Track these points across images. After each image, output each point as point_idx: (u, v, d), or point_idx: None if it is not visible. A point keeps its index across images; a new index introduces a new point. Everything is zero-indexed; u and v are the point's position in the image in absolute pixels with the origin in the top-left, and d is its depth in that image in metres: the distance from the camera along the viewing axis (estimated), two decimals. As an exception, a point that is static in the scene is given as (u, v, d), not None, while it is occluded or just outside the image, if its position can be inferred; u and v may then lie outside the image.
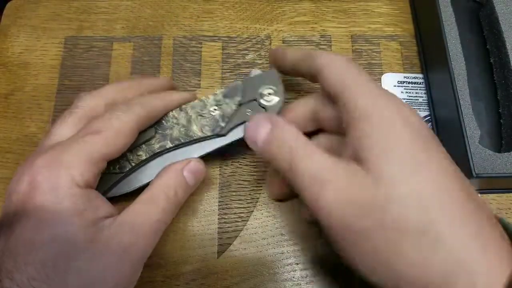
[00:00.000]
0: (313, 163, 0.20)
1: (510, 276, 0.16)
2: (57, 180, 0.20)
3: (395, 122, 0.19)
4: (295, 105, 0.27)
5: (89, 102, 0.25)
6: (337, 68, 0.22)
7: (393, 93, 0.21)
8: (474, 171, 0.27)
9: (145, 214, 0.23)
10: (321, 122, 0.25)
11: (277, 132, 0.22)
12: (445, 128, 0.31)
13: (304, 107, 0.26)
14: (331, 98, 0.23)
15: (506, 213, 0.30)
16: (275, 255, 0.29)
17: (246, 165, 0.31)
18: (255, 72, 0.29)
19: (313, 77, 0.24)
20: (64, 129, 0.24)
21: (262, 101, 0.27)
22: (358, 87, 0.21)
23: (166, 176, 0.25)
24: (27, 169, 0.21)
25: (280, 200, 0.29)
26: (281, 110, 0.27)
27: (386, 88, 0.33)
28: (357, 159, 0.19)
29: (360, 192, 0.18)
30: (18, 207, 0.20)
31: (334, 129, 0.25)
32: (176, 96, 0.28)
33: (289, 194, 0.27)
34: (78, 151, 0.22)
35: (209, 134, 0.27)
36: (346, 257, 0.19)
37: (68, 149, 0.22)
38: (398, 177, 0.18)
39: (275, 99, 0.27)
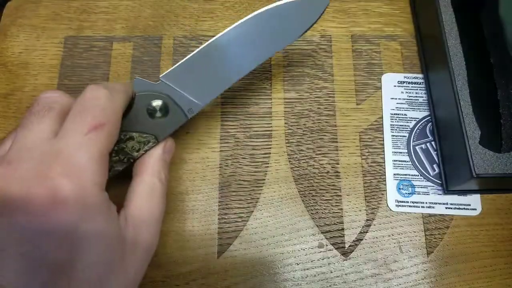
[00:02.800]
0: None
1: None
2: (84, 193, 0.19)
3: None
4: None
5: (64, 98, 0.23)
6: None
7: None
8: (474, 171, 0.27)
9: (150, 208, 0.23)
10: None
11: None
12: (445, 128, 0.31)
13: None
14: None
15: (506, 213, 0.30)
16: (275, 255, 0.29)
17: (246, 165, 0.31)
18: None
19: None
20: (45, 125, 0.21)
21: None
22: None
23: (153, 162, 0.24)
24: (39, 177, 0.18)
25: None
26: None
27: (386, 88, 0.33)
28: None
29: None
30: (43, 226, 0.18)
31: None
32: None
33: None
34: (88, 152, 0.20)
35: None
36: None
37: (78, 151, 0.19)
38: None
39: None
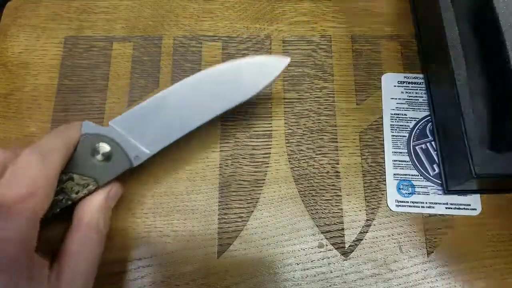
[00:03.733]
0: None
1: None
2: (12, 263, 0.19)
3: None
4: None
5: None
6: None
7: None
8: (474, 171, 0.27)
9: (84, 262, 0.23)
10: None
11: None
12: (445, 128, 0.31)
13: None
14: None
15: (506, 213, 0.30)
16: (275, 255, 0.29)
17: (246, 165, 0.31)
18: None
19: None
20: None
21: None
22: None
23: (92, 211, 0.24)
24: None
25: None
26: None
27: (386, 88, 0.33)
28: None
29: None
30: None
31: None
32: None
33: None
34: (16, 223, 0.20)
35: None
36: None
37: (5, 223, 0.20)
38: None
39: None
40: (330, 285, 0.28)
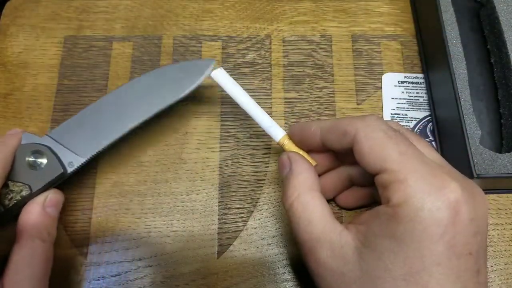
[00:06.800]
0: (311, 218, 0.22)
1: None
2: None
3: (433, 237, 0.18)
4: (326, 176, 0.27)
5: None
6: (375, 144, 0.21)
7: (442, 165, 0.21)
8: (475, 171, 0.27)
9: (31, 277, 0.22)
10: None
11: (292, 173, 0.23)
12: (446, 128, 0.31)
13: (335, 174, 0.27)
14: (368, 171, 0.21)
15: (507, 214, 0.30)
16: (275, 255, 0.29)
17: (246, 165, 0.31)
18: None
19: (346, 152, 0.23)
20: None
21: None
22: (401, 173, 0.19)
23: (33, 221, 0.24)
24: None
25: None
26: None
27: (386, 88, 0.33)
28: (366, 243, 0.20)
29: (345, 265, 0.20)
30: None
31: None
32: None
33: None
34: None
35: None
36: None
37: None
38: None
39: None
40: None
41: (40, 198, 0.25)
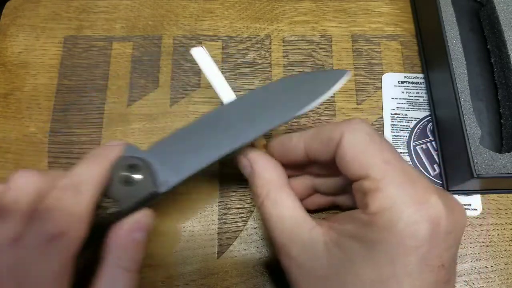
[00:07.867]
0: (282, 215, 0.22)
1: None
2: None
3: (407, 249, 0.18)
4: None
5: (33, 187, 0.20)
6: (359, 149, 0.20)
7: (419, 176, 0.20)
8: (475, 171, 0.27)
9: None
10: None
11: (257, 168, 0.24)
12: (446, 128, 0.31)
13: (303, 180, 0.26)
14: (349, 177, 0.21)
15: (507, 213, 0.30)
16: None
17: (246, 165, 0.31)
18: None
19: (331, 161, 0.22)
20: (6, 229, 0.19)
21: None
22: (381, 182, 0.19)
23: (117, 246, 0.21)
24: None
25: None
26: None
27: (386, 88, 0.33)
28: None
29: (315, 261, 0.20)
30: None
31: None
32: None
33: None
34: (47, 265, 0.19)
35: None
36: None
37: (36, 265, 0.18)
38: None
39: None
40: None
41: (128, 221, 0.22)
